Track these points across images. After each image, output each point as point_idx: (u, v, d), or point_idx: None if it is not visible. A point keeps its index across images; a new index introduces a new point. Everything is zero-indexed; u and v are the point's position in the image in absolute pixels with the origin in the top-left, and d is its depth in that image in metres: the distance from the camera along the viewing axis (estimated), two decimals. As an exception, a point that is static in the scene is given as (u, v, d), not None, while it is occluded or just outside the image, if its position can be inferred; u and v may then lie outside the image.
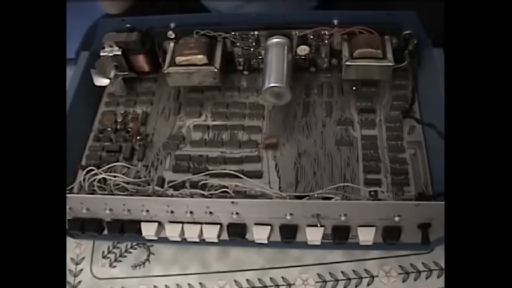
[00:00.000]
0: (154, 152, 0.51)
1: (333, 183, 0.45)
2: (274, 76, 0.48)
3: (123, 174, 0.48)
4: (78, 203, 0.43)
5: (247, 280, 0.47)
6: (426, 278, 0.46)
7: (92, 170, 0.46)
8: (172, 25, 0.52)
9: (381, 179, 0.46)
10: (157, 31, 0.53)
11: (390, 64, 0.48)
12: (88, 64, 0.53)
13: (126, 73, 0.54)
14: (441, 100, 0.41)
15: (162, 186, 0.47)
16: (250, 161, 0.49)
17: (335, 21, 0.50)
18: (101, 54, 0.53)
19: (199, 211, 0.42)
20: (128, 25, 0.53)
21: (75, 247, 0.51)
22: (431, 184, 0.45)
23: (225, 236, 0.44)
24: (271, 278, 0.47)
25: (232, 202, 0.40)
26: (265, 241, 0.43)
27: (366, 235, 0.41)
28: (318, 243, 0.42)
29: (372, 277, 0.46)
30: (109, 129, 0.52)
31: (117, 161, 0.50)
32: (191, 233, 0.43)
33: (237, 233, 0.43)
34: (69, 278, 0.49)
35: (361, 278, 0.46)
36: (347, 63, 0.49)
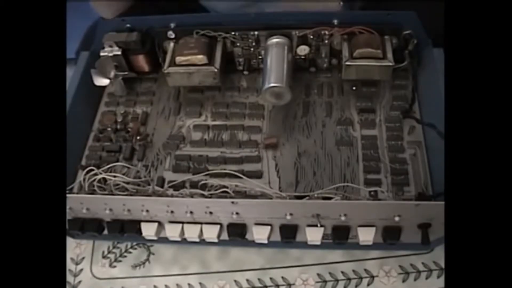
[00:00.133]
0: (154, 152, 0.51)
1: (333, 183, 0.45)
2: (274, 76, 0.48)
3: (123, 174, 0.48)
4: (78, 203, 0.43)
5: (247, 280, 0.47)
6: (426, 278, 0.46)
7: (92, 170, 0.46)
8: (172, 25, 0.52)
9: (381, 179, 0.46)
10: (157, 31, 0.53)
11: (390, 64, 0.48)
12: (88, 64, 0.53)
13: (126, 73, 0.54)
14: (441, 100, 0.41)
15: (162, 186, 0.47)
16: (250, 161, 0.49)
17: (335, 21, 0.50)
18: (101, 54, 0.53)
19: (199, 211, 0.42)
20: (128, 25, 0.53)
21: (75, 247, 0.51)
22: (431, 184, 0.45)
23: (225, 236, 0.44)
24: (271, 278, 0.47)
25: (232, 202, 0.40)
26: (265, 241, 0.43)
27: (366, 235, 0.41)
28: (318, 243, 0.42)
29: (372, 277, 0.46)
30: (109, 129, 0.52)
31: (117, 161, 0.50)
32: (191, 233, 0.43)
33: (237, 233, 0.43)
34: (69, 278, 0.49)
35: (361, 278, 0.46)
36: (347, 63, 0.49)
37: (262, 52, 0.53)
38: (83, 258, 0.50)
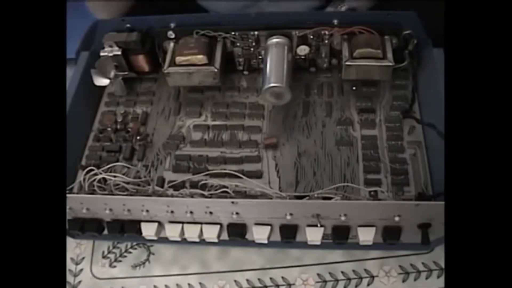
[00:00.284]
0: (154, 152, 0.51)
1: (333, 183, 0.45)
2: (274, 76, 0.48)
3: (123, 174, 0.48)
4: (78, 203, 0.43)
5: (247, 280, 0.47)
6: (426, 278, 0.46)
7: (92, 170, 0.46)
8: (172, 25, 0.52)
9: (381, 179, 0.46)
10: (157, 31, 0.53)
11: (390, 64, 0.48)
12: (88, 64, 0.53)
13: (126, 73, 0.54)
14: (441, 100, 0.41)
15: (162, 186, 0.47)
16: (250, 161, 0.49)
17: (335, 21, 0.50)
18: (101, 54, 0.53)
19: (199, 211, 0.42)
20: (128, 25, 0.53)
21: (75, 247, 0.51)
22: (431, 184, 0.45)
23: (225, 236, 0.44)
24: (271, 278, 0.47)
25: (232, 202, 0.40)
26: (265, 241, 0.43)
27: (366, 235, 0.41)
28: (318, 243, 0.42)
29: (372, 277, 0.46)
30: (109, 129, 0.52)
31: (117, 161, 0.50)
32: (191, 233, 0.43)
33: (237, 233, 0.43)
34: (69, 278, 0.49)
35: (361, 278, 0.46)
36: (347, 63, 0.49)
37: (262, 52, 0.53)
38: (83, 258, 0.50)
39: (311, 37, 0.51)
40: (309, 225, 0.42)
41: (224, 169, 0.47)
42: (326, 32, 0.51)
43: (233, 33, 0.52)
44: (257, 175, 0.47)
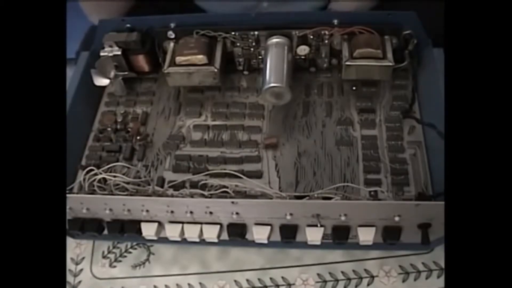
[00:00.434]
0: (154, 152, 0.51)
1: (333, 183, 0.45)
2: (274, 76, 0.48)
3: (123, 174, 0.48)
4: (78, 203, 0.43)
5: (247, 280, 0.47)
6: (426, 278, 0.46)
7: (92, 170, 0.46)
8: (172, 25, 0.52)
9: (381, 179, 0.46)
10: (157, 31, 0.53)
11: (390, 64, 0.48)
12: (88, 64, 0.53)
13: (126, 73, 0.54)
14: (441, 100, 0.41)
15: (162, 186, 0.47)
16: (250, 161, 0.49)
17: (335, 21, 0.50)
18: (101, 54, 0.53)
19: (199, 211, 0.42)
20: (128, 25, 0.53)
21: (75, 247, 0.51)
22: (431, 184, 0.45)
23: (225, 236, 0.44)
24: (271, 278, 0.47)
25: (232, 202, 0.40)
26: (265, 241, 0.43)
27: (366, 235, 0.41)
28: (318, 243, 0.42)
29: (372, 277, 0.46)
30: (109, 129, 0.52)
31: (117, 161, 0.50)
32: (191, 233, 0.43)
33: (237, 233, 0.43)
34: (69, 278, 0.49)
35: (361, 278, 0.46)
36: (347, 63, 0.49)
37: (262, 52, 0.53)
38: (83, 258, 0.50)
39: (311, 37, 0.51)
40: (309, 225, 0.42)
41: (224, 169, 0.47)
42: (326, 32, 0.51)
43: (233, 33, 0.52)
44: (257, 175, 0.47)
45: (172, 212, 0.42)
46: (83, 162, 0.51)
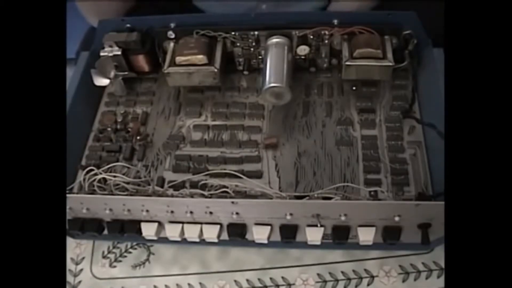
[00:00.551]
0: (154, 152, 0.51)
1: (333, 183, 0.45)
2: (274, 76, 0.48)
3: (123, 174, 0.48)
4: (78, 203, 0.43)
5: (247, 280, 0.47)
6: (426, 278, 0.46)
7: (92, 170, 0.46)
8: (172, 25, 0.52)
9: (381, 179, 0.46)
10: (157, 31, 0.53)
11: (390, 64, 0.48)
12: (88, 64, 0.53)
13: (126, 73, 0.54)
14: (441, 100, 0.41)
15: (162, 186, 0.47)
16: (250, 161, 0.49)
17: (335, 21, 0.50)
18: (101, 54, 0.53)
19: (199, 211, 0.42)
20: (128, 25, 0.53)
21: (75, 247, 0.51)
22: (431, 184, 0.45)
23: (225, 236, 0.44)
24: (271, 278, 0.47)
25: (232, 202, 0.40)
26: (265, 241, 0.43)
27: (366, 235, 0.41)
28: (318, 243, 0.42)
29: (372, 277, 0.46)
30: (109, 129, 0.52)
31: (117, 161, 0.50)
32: (191, 233, 0.43)
33: (237, 233, 0.43)
34: (69, 278, 0.49)
35: (361, 278, 0.46)
36: (347, 63, 0.49)
37: (262, 52, 0.53)
38: (83, 258, 0.50)
39: (311, 37, 0.51)
40: (309, 225, 0.42)
41: (224, 169, 0.47)
42: (326, 32, 0.51)
43: (233, 33, 0.52)
44: (257, 175, 0.47)
45: (172, 212, 0.42)
46: (83, 162, 0.51)
